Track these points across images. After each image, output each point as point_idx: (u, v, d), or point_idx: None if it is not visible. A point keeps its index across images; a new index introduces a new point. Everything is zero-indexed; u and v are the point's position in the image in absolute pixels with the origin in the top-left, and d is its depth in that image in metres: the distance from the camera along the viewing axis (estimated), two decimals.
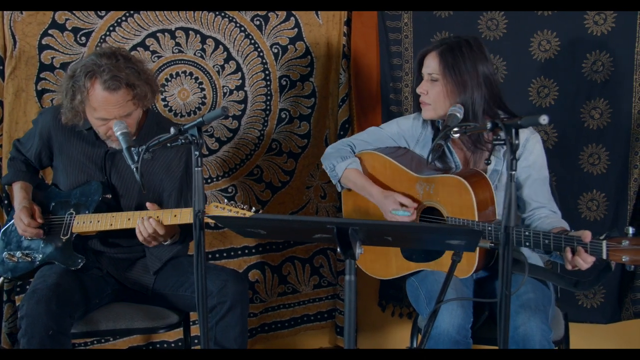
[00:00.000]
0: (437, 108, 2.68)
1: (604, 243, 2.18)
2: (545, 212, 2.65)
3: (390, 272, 2.83)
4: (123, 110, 2.66)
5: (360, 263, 2.86)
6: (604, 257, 2.19)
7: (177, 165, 2.88)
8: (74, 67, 2.72)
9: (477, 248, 2.52)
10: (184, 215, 2.65)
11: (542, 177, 2.69)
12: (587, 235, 2.23)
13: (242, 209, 2.56)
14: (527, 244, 2.37)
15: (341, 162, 2.87)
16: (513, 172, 1.97)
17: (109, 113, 2.65)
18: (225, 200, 2.61)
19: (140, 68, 2.72)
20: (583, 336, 3.40)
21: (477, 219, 2.52)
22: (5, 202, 3.19)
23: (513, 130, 1.97)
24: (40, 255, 2.84)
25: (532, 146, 2.68)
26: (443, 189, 2.63)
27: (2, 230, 2.98)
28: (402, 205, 2.69)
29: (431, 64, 2.67)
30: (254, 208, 2.57)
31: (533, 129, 2.73)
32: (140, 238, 2.70)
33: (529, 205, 2.67)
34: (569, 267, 2.29)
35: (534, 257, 2.75)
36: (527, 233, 2.36)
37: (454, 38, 2.68)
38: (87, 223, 2.79)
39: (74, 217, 2.82)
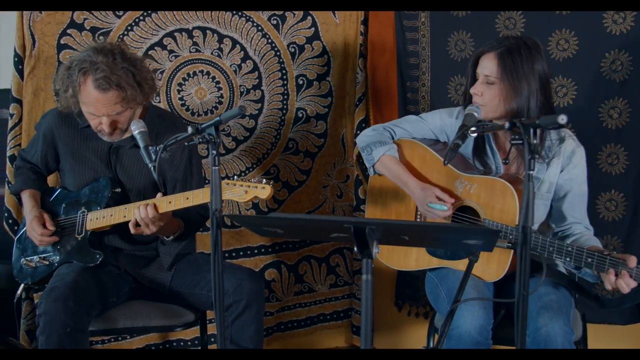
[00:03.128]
0: (490, 111, 2.59)
1: None
2: (580, 229, 2.65)
3: (409, 264, 2.81)
4: (111, 109, 2.66)
5: None
6: None
7: (180, 156, 2.87)
8: (72, 59, 2.72)
9: (511, 252, 2.51)
10: (195, 198, 2.63)
11: (581, 192, 2.68)
12: (632, 260, 2.25)
13: (253, 182, 2.52)
14: (568, 259, 2.37)
15: (379, 147, 2.83)
16: (531, 172, 1.96)
17: (97, 110, 2.67)
18: (235, 177, 2.57)
19: (137, 67, 2.71)
20: (601, 337, 3.38)
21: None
22: (10, 221, 3.22)
23: (531, 130, 1.96)
24: (58, 257, 2.86)
25: (577, 160, 2.66)
26: (485, 190, 2.60)
27: (16, 237, 3.00)
28: (439, 199, 2.66)
29: (488, 66, 2.57)
30: (264, 180, 2.52)
31: (578, 141, 2.70)
32: (132, 230, 2.68)
33: (565, 219, 2.67)
34: (609, 287, 2.30)
35: (559, 267, 2.74)
36: (569, 248, 2.36)
37: (513, 39, 2.58)
38: (100, 219, 2.80)
39: (86, 214, 2.84)
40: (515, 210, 2.50)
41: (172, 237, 2.84)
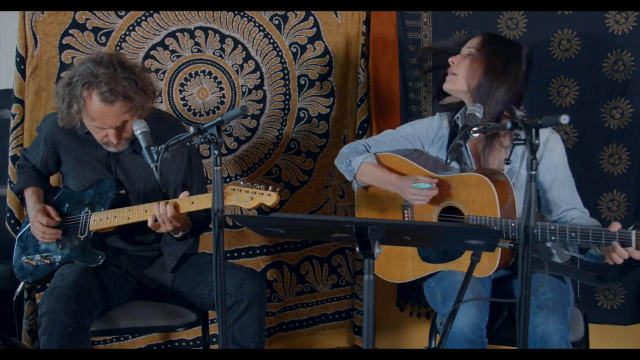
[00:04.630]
0: (461, 82, 2.69)
1: (633, 233, 2.22)
2: (577, 213, 2.65)
3: (407, 275, 2.82)
4: (118, 120, 2.65)
5: (375, 269, 2.85)
6: (634, 246, 2.23)
7: (180, 159, 2.87)
8: (71, 74, 2.68)
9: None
10: (201, 202, 2.63)
11: (567, 177, 2.69)
12: (614, 225, 2.27)
13: (259, 189, 2.53)
14: (553, 237, 2.37)
15: (357, 157, 2.86)
16: (533, 172, 1.95)
17: (104, 123, 2.65)
18: (241, 183, 2.57)
19: (138, 75, 2.69)
20: (603, 337, 3.37)
21: (499, 216, 2.51)
22: (12, 221, 3.22)
23: (533, 130, 1.96)
24: (59, 257, 2.86)
25: (553, 146, 2.67)
26: (463, 187, 2.62)
27: (18, 236, 3.00)
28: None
29: (473, 43, 2.71)
30: (270, 187, 2.53)
31: (552, 128, 2.72)
32: (150, 223, 2.68)
33: (558, 208, 2.66)
34: (610, 262, 2.32)
35: (554, 257, 2.74)
36: (552, 227, 2.37)
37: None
38: (104, 220, 2.80)
39: (90, 215, 2.84)
40: (494, 201, 2.52)
41: (180, 233, 2.83)
